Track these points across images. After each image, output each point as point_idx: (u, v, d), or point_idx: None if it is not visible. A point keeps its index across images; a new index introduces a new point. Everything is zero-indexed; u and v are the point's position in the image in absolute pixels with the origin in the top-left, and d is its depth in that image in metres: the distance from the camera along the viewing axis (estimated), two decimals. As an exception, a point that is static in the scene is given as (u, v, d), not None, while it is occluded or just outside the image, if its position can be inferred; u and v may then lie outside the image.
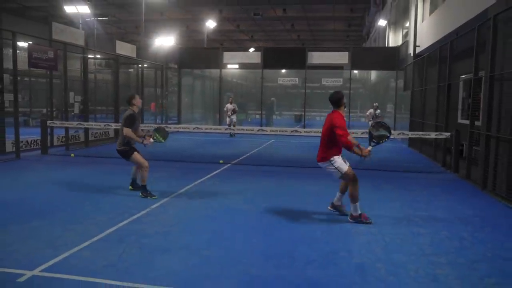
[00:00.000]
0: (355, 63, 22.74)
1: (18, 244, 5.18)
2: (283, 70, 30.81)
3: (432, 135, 11.90)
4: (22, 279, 4.18)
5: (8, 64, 12.82)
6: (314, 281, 4.30)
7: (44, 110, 21.40)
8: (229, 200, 7.72)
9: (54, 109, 15.26)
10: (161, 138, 8.01)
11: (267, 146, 16.37)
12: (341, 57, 22.96)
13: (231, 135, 19.09)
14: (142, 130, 8.68)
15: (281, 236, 5.75)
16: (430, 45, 15.77)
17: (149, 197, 7.57)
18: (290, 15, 29.54)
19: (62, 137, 14.78)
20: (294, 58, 23.26)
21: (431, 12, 17.02)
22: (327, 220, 6.52)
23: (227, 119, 20.26)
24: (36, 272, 4.35)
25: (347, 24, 33.93)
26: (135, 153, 7.74)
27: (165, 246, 5.19)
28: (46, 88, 18.69)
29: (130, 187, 8.25)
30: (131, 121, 7.69)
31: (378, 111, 20.14)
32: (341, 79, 30.02)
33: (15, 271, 4.35)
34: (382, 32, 28.45)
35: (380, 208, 7.40)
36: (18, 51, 12.61)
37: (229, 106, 20.34)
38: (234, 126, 18.12)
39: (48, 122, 13.54)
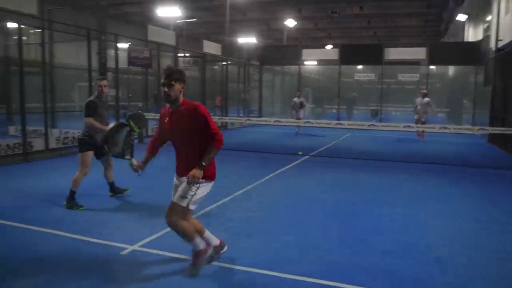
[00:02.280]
0: (432, 59, 21.64)
1: (121, 221, 5.53)
2: (359, 66, 30.09)
3: (514, 130, 11.06)
4: (124, 252, 4.47)
5: (109, 63, 13.66)
6: (391, 270, 4.18)
7: (140, 104, 22.55)
8: (308, 190, 7.70)
9: (148, 102, 16.01)
10: (136, 127, 5.61)
11: (344, 140, 16.09)
12: (418, 53, 21.97)
13: (297, 133, 17.36)
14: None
15: (357, 225, 5.64)
16: (514, 39, 14.60)
17: (74, 208, 6.08)
18: (366, 12, 28.70)
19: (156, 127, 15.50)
20: (371, 54, 22.60)
21: (515, 5, 15.73)
22: (403, 213, 6.29)
23: (294, 114, 17.48)
24: (136, 247, 4.62)
25: (424, 20, 32.29)
26: (89, 152, 6.24)
27: (249, 230, 5.29)
28: (141, 84, 19.66)
29: (111, 193, 6.83)
30: (92, 109, 6.25)
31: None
32: (418, 75, 28.82)
33: (119, 245, 4.66)
34: (461, 26, 26.81)
35: (459, 202, 7.03)
36: (118, 51, 13.39)
37: (296, 100, 17.58)
38: (299, 124, 16.10)
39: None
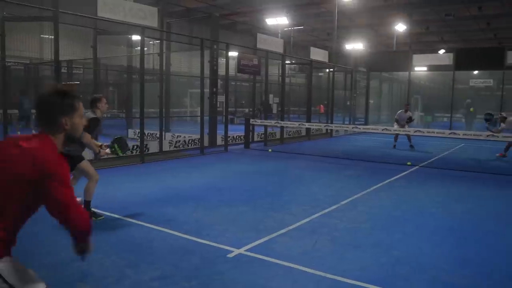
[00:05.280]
0: None
1: (228, 224, 5.65)
2: (475, 72, 27.88)
3: None
4: (231, 255, 4.54)
5: (219, 71, 14.19)
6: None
7: (247, 110, 23.17)
8: (419, 203, 7.23)
9: (256, 109, 16.33)
10: (119, 150, 6.20)
11: (457, 150, 14.96)
12: (551, 55, 19.71)
13: (395, 146, 14.86)
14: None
15: (477, 245, 5.14)
16: None
17: (93, 218, 5.76)
18: (486, 13, 26.53)
19: (261, 134, 15.78)
20: (490, 58, 20.80)
21: None
22: (532, 233, 5.61)
23: (396, 127, 14.55)
24: (242, 250, 4.67)
25: (557, 18, 28.97)
26: (85, 161, 5.98)
27: (356, 242, 5.09)
28: (247, 91, 20.24)
29: None
30: (94, 126, 5.97)
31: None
32: (548, 80, 25.95)
33: (226, 247, 4.75)
34: None
35: None
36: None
37: (402, 113, 14.74)
38: (409, 138, 14.72)
39: (251, 120, 14.59)
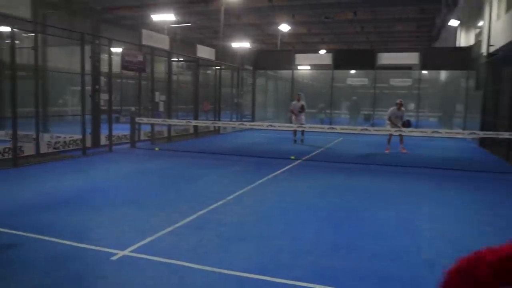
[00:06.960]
0: (425, 64, 21.78)
1: (112, 226, 5.49)
2: (353, 71, 30.29)
3: (505, 135, 11.13)
4: (115, 258, 4.43)
5: (103, 67, 13.58)
6: (382, 273, 4.19)
7: (133, 108, 22.44)
8: (301, 194, 7.70)
9: (141, 107, 15.91)
10: None
11: (336, 144, 16.13)
12: (411, 58, 22.12)
13: (296, 141, 15.69)
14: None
15: (350, 229, 5.64)
16: (505, 44, 14.70)
17: None
18: (360, 18, 28.92)
19: (148, 132, 15.44)
20: (364, 59, 22.74)
21: (507, 10, 15.84)
22: (397, 217, 6.31)
23: (293, 118, 15.79)
24: (126, 252, 4.58)
25: (417, 25, 32.54)
26: None
27: (241, 235, 5.27)
28: (134, 88, 19.63)
29: None
30: None
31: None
32: (410, 80, 29.11)
33: (109, 250, 4.61)
34: (453, 32, 27.02)
35: (454, 206, 7.05)
36: (111, 55, 13.33)
37: (296, 104, 15.92)
38: (302, 132, 15.26)
39: (137, 119, 14.20)
